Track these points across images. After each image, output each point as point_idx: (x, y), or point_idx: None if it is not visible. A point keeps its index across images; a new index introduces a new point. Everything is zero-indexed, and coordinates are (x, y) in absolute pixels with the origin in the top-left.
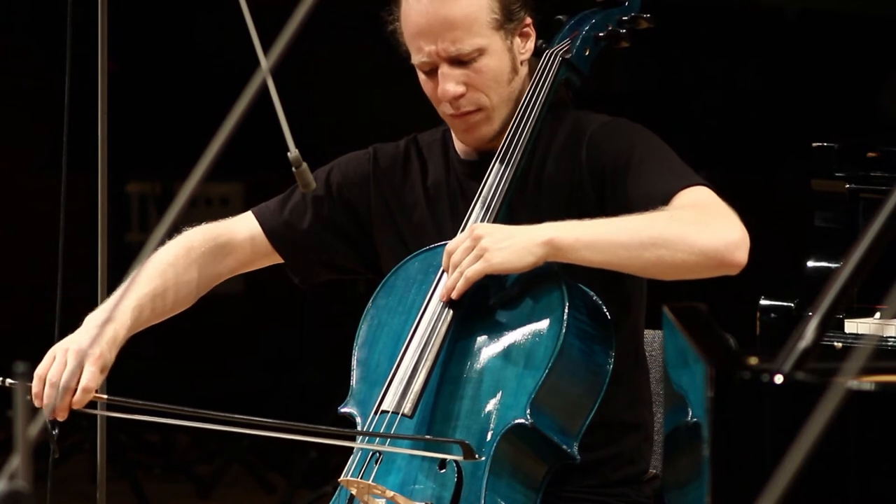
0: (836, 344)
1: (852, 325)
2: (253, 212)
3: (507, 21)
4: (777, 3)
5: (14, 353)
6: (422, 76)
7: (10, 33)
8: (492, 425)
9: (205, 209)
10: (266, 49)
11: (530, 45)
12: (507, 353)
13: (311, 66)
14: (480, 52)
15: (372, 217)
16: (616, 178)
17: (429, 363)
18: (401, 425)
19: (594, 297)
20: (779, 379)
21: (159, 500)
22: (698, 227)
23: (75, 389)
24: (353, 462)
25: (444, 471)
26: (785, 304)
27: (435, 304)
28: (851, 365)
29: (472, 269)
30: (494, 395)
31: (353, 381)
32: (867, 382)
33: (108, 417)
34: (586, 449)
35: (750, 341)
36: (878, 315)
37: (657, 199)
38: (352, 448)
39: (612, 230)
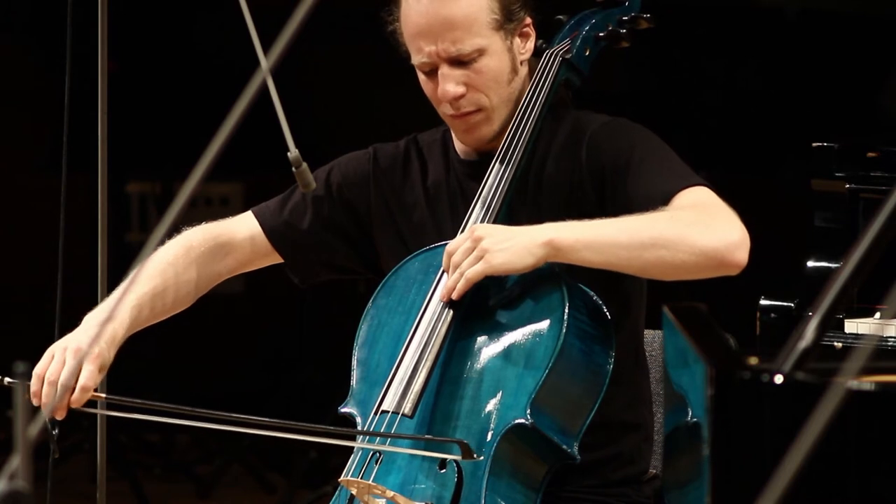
0: (836, 344)
1: (852, 325)
2: (253, 211)
3: (506, 21)
4: (777, 3)
5: (14, 353)
6: (422, 77)
7: (10, 33)
8: (492, 425)
9: (205, 209)
10: (266, 49)
11: (530, 45)
12: (507, 354)
13: (311, 66)
14: (480, 52)
15: (372, 217)
16: (616, 178)
17: (429, 363)
18: (401, 425)
19: (594, 298)
20: (779, 379)
21: (159, 500)
22: (699, 228)
23: (74, 388)
24: (353, 462)
25: (444, 471)
26: (785, 304)
27: (435, 304)
28: (851, 365)
29: (472, 270)
30: (494, 395)
31: (354, 381)
32: (867, 382)
33: (108, 417)
34: (586, 449)
35: (750, 341)
36: (878, 315)
37: (657, 199)
38: (352, 448)
39: (612, 231)
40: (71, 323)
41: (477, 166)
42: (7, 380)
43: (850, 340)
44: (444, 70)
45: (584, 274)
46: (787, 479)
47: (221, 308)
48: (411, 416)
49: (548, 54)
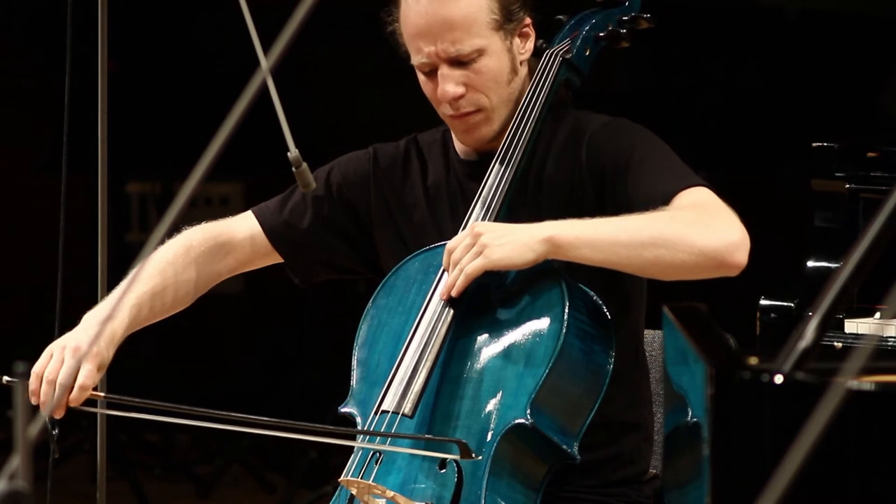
0: (836, 344)
1: (852, 325)
2: (253, 211)
3: (506, 21)
4: (777, 3)
5: (14, 353)
6: (421, 77)
7: (10, 33)
8: (492, 425)
9: (205, 209)
10: (266, 49)
11: (530, 45)
12: (507, 353)
13: (311, 66)
14: (480, 52)
15: (372, 217)
16: (616, 178)
17: (429, 363)
18: (401, 425)
19: (594, 297)
20: (779, 379)
21: (159, 500)
22: (698, 228)
23: (72, 387)
24: (353, 462)
25: (444, 471)
26: (785, 304)
27: (435, 303)
28: (851, 365)
29: (471, 266)
30: (494, 395)
31: (354, 381)
32: (867, 382)
33: (108, 417)
34: (586, 449)
35: (750, 341)
36: (878, 315)
37: (657, 199)
38: (352, 448)
39: (612, 229)
40: (71, 323)
41: (477, 166)
42: (6, 379)
43: (850, 340)
44: (444, 70)
45: (585, 273)
46: (787, 479)
47: (221, 308)
48: (411, 416)
49: (548, 54)
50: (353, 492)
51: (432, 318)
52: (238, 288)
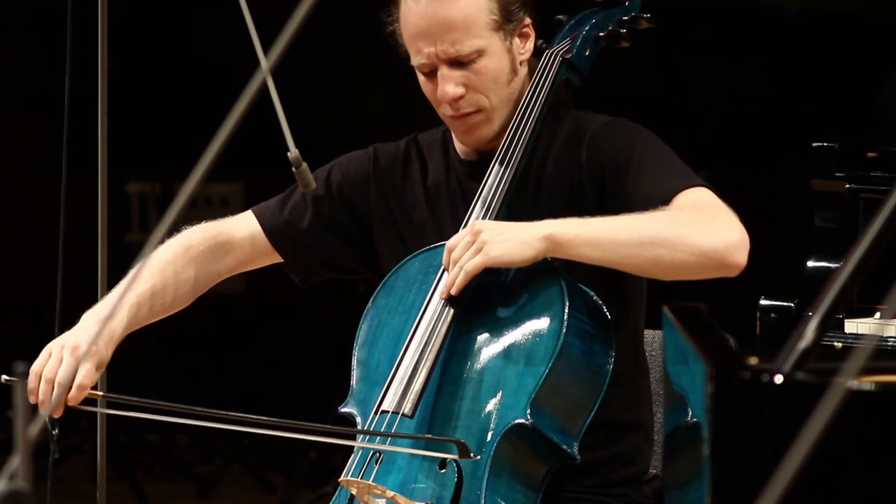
0: (836, 344)
1: (852, 325)
2: (253, 211)
3: (506, 22)
4: (777, 3)
5: (14, 353)
6: (421, 77)
7: (10, 33)
8: (492, 425)
9: (205, 209)
10: (266, 49)
11: (530, 45)
12: (507, 353)
13: (311, 66)
14: (479, 53)
15: (372, 217)
16: (616, 178)
17: (429, 363)
18: (401, 425)
19: (594, 297)
20: (779, 379)
21: (159, 500)
22: (698, 228)
23: (71, 386)
24: (353, 462)
25: (444, 471)
26: (785, 304)
27: (435, 303)
28: (851, 365)
29: (471, 263)
30: (494, 395)
31: (354, 381)
32: (867, 382)
33: (108, 417)
34: (586, 449)
35: (750, 341)
36: (878, 315)
37: (657, 199)
38: (352, 448)
39: (611, 228)
40: (71, 323)
41: (477, 166)
42: (5, 378)
43: (850, 340)
44: (444, 71)
45: (585, 273)
46: (787, 479)
47: (221, 308)
48: (411, 416)
49: (548, 54)
50: (353, 492)
51: (432, 318)
52: (238, 288)
